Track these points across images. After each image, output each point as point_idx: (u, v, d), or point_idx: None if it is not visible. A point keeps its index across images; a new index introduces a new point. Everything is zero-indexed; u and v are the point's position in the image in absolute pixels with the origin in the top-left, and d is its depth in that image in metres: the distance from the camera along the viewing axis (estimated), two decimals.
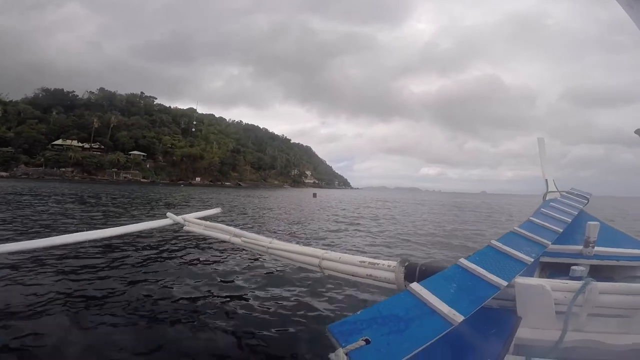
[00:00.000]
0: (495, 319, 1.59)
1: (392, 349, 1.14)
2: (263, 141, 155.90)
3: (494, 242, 2.00)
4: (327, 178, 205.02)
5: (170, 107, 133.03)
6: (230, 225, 3.53)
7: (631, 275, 2.45)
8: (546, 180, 4.24)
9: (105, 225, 9.25)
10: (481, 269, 1.64)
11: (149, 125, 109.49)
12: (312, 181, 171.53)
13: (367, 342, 1.13)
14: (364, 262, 2.18)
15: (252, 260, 5.54)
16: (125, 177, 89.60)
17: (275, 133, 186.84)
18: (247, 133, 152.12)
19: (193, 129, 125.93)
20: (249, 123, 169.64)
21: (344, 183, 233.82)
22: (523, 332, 1.53)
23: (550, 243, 2.23)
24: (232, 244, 3.19)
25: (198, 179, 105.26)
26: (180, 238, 7.17)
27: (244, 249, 3.56)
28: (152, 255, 5.80)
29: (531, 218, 2.67)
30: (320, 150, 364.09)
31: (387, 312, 1.33)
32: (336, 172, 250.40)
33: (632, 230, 3.64)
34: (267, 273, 4.94)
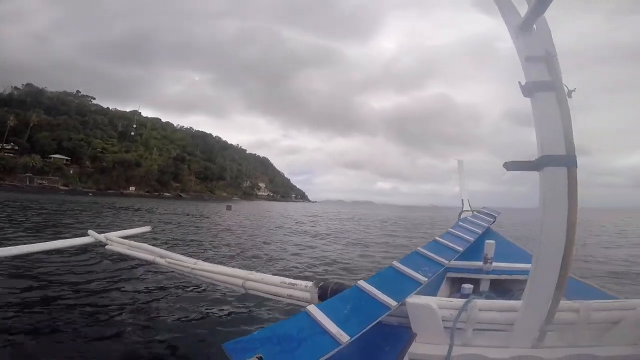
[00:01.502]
0: (392, 335, 1.73)
1: None
2: (213, 150, 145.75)
3: (395, 263, 2.11)
4: (284, 191, 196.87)
5: (108, 108, 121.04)
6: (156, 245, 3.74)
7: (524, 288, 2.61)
8: (462, 200, 4.63)
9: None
10: (376, 290, 1.78)
11: (79, 127, 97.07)
12: (266, 194, 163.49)
13: (260, 359, 1.23)
14: (284, 282, 2.27)
15: (174, 281, 5.33)
16: (40, 184, 77.21)
17: (231, 143, 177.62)
18: (196, 140, 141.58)
19: (132, 133, 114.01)
20: (200, 130, 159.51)
21: (301, 196, 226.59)
22: (417, 348, 1.66)
23: (447, 262, 2.34)
24: (157, 264, 3.14)
25: (132, 188, 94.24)
26: (100, 257, 6.54)
27: (169, 271, 3.82)
28: (65, 276, 5.43)
29: (436, 238, 2.78)
30: (279, 163, 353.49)
31: (282, 332, 1.44)
32: (294, 185, 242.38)
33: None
34: (186, 294, 4.88)
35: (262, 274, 2.52)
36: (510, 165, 1.49)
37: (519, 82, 1.50)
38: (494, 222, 3.81)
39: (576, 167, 1.42)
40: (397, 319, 1.80)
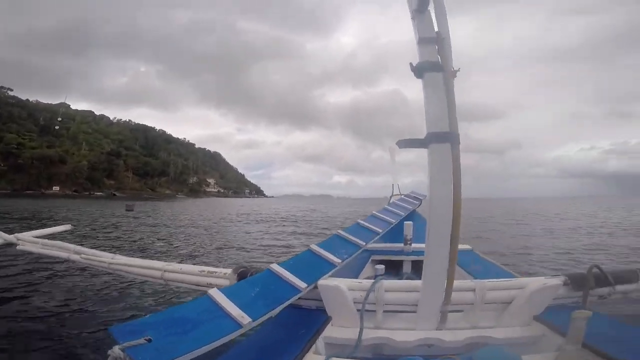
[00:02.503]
0: (308, 318, 1.72)
1: (173, 347, 1.21)
2: (155, 144, 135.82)
3: (312, 246, 2.15)
4: (236, 186, 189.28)
5: (28, 100, 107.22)
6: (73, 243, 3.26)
7: None
8: (392, 185, 5.00)
9: None
10: (288, 273, 1.78)
11: None
12: (215, 190, 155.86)
13: (149, 341, 1.18)
14: (204, 271, 2.23)
15: (92, 279, 5.27)
16: None
17: (178, 137, 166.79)
18: (135, 134, 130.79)
19: (56, 127, 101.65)
20: (141, 123, 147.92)
21: (257, 192, 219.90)
22: (332, 331, 1.65)
23: (364, 244, 2.39)
24: (73, 261, 3.04)
25: (56, 188, 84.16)
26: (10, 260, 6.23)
27: (86, 267, 3.54)
28: None
29: (359, 221, 2.85)
30: (233, 157, 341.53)
31: (178, 315, 1.42)
32: (249, 180, 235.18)
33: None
34: (105, 289, 4.80)
35: (181, 264, 2.47)
36: (402, 143, 1.52)
37: (410, 63, 1.50)
38: (419, 205, 3.80)
39: (459, 144, 1.46)
40: (315, 303, 1.81)
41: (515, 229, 15.68)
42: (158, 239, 11.27)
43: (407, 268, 2.93)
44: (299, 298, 1.76)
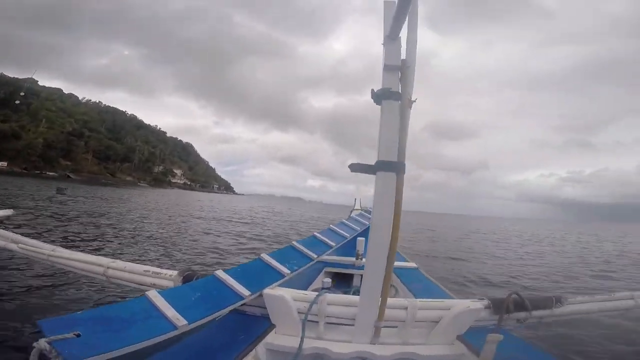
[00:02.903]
0: (251, 325, 1.78)
1: (102, 343, 1.21)
2: (123, 129, 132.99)
3: (263, 255, 2.19)
4: (204, 180, 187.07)
5: None
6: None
7: (390, 285, 2.76)
8: (355, 199, 5.42)
9: None
10: (232, 280, 1.82)
11: None
12: (181, 182, 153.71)
13: (78, 336, 1.17)
14: (148, 271, 2.19)
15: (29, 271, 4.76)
16: None
17: (149, 123, 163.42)
18: (104, 116, 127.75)
19: (17, 102, 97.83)
20: (111, 106, 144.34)
21: (226, 187, 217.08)
22: (276, 339, 1.71)
23: (316, 256, 2.49)
24: (9, 250, 2.82)
25: (3, 163, 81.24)
26: None
27: (23, 257, 3.24)
28: None
29: (315, 233, 2.97)
30: (206, 150, 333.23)
31: (111, 314, 1.41)
32: (219, 175, 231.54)
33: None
34: (41, 283, 4.40)
35: (126, 262, 2.39)
36: (354, 167, 1.56)
37: (372, 90, 1.52)
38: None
39: (404, 174, 1.52)
40: (260, 310, 1.85)
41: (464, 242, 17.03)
42: (66, 230, 9.28)
43: (357, 282, 3.10)
44: (245, 305, 1.83)
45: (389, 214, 1.51)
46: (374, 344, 1.71)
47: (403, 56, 1.53)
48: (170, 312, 1.45)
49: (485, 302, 1.91)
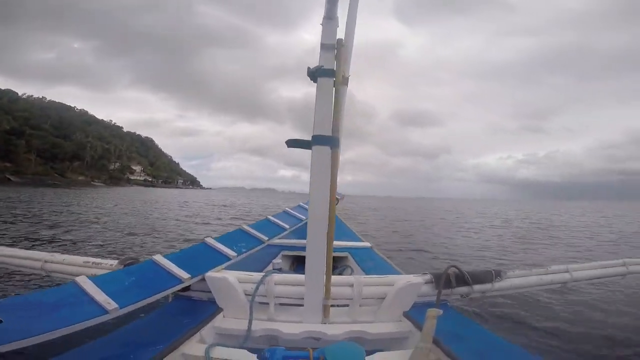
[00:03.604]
0: (197, 309, 1.74)
1: (26, 328, 1.17)
2: (72, 125, 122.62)
3: (208, 239, 2.10)
4: (167, 176, 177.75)
5: None
6: None
7: (346, 265, 2.92)
8: None
9: None
10: (171, 264, 1.76)
11: None
12: (142, 178, 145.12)
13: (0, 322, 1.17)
14: (88, 262, 2.15)
15: None
16: None
17: (102, 118, 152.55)
18: (48, 112, 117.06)
19: None
20: (57, 101, 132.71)
21: (192, 182, 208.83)
22: (224, 322, 1.69)
23: (267, 239, 2.42)
24: None
25: None
26: None
27: None
28: None
29: (268, 216, 2.88)
30: (168, 145, 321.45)
31: (36, 299, 1.38)
32: (184, 169, 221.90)
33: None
34: None
35: (64, 254, 2.34)
36: (290, 143, 1.60)
37: (308, 67, 1.57)
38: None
39: (338, 148, 1.58)
40: (207, 294, 1.82)
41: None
42: None
43: None
44: (191, 290, 1.80)
45: (326, 188, 1.53)
46: (325, 323, 1.70)
47: (343, 36, 1.59)
48: (100, 296, 1.40)
49: (428, 276, 1.89)
